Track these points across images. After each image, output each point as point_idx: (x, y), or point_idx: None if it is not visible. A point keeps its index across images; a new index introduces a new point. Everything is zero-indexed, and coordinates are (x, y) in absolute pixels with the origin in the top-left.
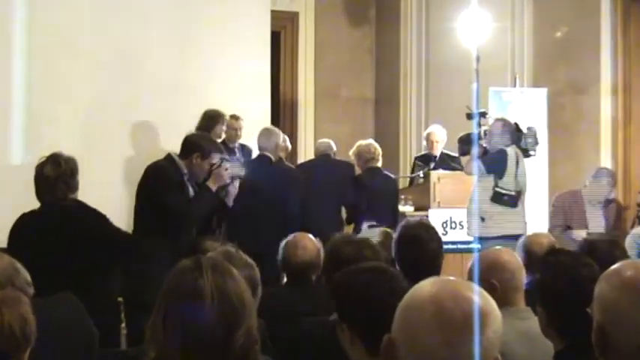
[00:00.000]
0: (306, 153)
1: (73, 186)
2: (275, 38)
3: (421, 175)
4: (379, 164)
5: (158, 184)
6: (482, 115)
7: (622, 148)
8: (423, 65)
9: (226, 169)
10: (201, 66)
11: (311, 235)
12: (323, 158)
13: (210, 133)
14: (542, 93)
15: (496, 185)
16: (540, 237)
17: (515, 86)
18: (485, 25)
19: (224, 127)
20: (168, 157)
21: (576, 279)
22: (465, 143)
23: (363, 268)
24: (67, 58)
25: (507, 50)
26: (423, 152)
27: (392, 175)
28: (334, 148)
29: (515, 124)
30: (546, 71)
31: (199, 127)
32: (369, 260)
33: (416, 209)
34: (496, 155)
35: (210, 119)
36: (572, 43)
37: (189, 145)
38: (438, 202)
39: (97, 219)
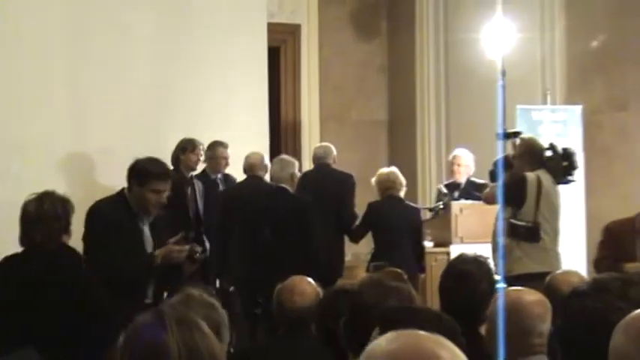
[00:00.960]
0: None
1: (58, 229)
2: (274, 54)
3: (441, 206)
4: (401, 194)
5: (87, 231)
6: (516, 135)
7: None
8: (442, 82)
9: (179, 251)
10: (189, 89)
11: (310, 279)
12: (320, 167)
13: (180, 164)
14: (576, 111)
15: (512, 216)
16: (570, 275)
17: (546, 103)
18: (512, 36)
19: (195, 157)
20: (120, 191)
21: (605, 328)
22: (496, 168)
23: (424, 310)
24: (43, 79)
25: (537, 63)
26: (449, 180)
27: (415, 205)
28: (334, 152)
29: (551, 145)
30: (581, 86)
31: (171, 160)
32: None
33: (436, 245)
34: (513, 182)
35: (178, 149)
36: (609, 53)
37: (128, 171)
38: (461, 237)
39: (80, 274)
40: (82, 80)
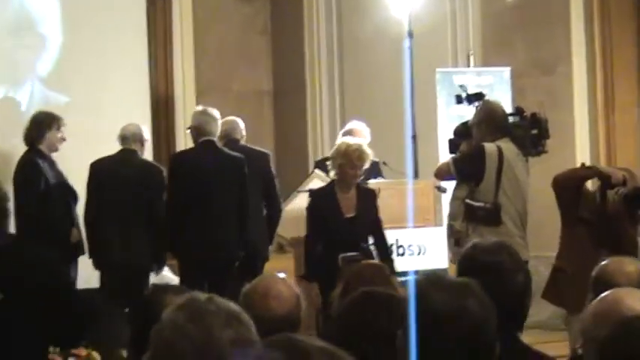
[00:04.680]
0: None
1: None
2: None
3: None
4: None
5: None
6: (478, 97)
7: (604, 141)
8: (335, 45)
9: None
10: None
11: (283, 275)
12: (231, 145)
13: (41, 143)
14: (504, 73)
15: (469, 196)
16: (625, 264)
17: (468, 66)
18: None
19: (60, 135)
20: None
21: None
22: (458, 136)
23: None
24: None
25: (447, 22)
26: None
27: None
28: (241, 126)
29: (517, 109)
30: (500, 47)
31: (26, 137)
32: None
33: None
34: (468, 155)
35: (40, 125)
36: (531, 8)
37: None
38: None
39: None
40: None
